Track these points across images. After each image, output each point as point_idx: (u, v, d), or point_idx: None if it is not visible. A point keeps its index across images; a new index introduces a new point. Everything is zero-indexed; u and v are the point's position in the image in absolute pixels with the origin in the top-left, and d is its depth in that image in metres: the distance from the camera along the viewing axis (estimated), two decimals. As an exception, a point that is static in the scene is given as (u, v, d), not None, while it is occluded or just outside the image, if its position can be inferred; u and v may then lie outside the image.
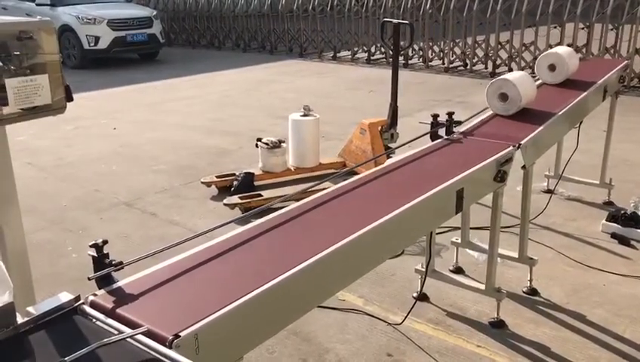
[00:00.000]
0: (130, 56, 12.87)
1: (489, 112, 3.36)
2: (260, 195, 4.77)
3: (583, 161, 4.89)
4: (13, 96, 1.82)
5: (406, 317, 3.08)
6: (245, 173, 5.09)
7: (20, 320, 1.34)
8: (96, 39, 11.69)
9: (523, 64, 9.92)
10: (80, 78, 10.32)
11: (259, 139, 5.32)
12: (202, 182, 5.15)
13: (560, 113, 3.32)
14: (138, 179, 5.53)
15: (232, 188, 4.99)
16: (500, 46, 10.21)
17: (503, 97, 3.23)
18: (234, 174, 5.15)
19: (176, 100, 9.00)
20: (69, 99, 2.00)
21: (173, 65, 12.27)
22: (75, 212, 4.78)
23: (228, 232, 1.87)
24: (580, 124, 4.10)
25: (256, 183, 5.12)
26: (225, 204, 4.67)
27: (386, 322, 3.15)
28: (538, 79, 3.96)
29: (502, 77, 3.24)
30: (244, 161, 5.82)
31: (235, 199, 4.71)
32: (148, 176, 5.59)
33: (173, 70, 11.62)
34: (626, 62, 4.80)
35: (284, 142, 5.31)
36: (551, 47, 9.57)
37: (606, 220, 4.17)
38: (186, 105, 8.69)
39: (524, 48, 9.94)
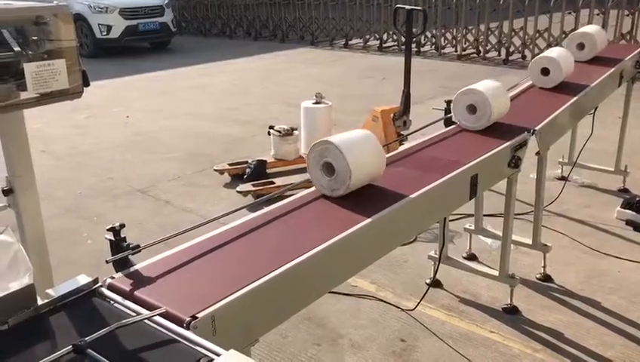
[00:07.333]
0: (142, 45, 12.89)
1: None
2: (273, 183, 4.79)
3: (597, 148, 4.84)
4: (32, 80, 1.83)
5: (419, 302, 3.09)
6: (258, 160, 5.10)
7: (39, 302, 1.36)
8: (109, 28, 11.72)
9: (537, 51, 9.83)
10: (92, 67, 10.28)
11: (271, 127, 5.33)
12: (215, 170, 5.17)
13: (575, 99, 3.29)
14: (151, 166, 5.56)
15: (245, 176, 5.01)
16: (513, 33, 10.11)
17: (329, 170, 2.04)
18: (246, 162, 5.16)
19: (188, 89, 9.02)
20: (86, 84, 2.02)
21: (185, 54, 12.27)
22: (89, 199, 4.82)
23: (240, 218, 1.89)
24: (595, 110, 4.06)
25: (268, 171, 5.13)
26: (238, 192, 4.69)
27: (399, 308, 3.15)
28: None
29: (325, 138, 2.03)
30: (257, 148, 5.82)
31: (247, 186, 4.72)
32: (161, 164, 5.61)
33: (185, 59, 11.62)
34: (642, 47, 4.74)
35: (296, 129, 5.31)
36: (565, 33, 9.49)
37: (621, 207, 4.14)
38: (198, 93, 8.71)
39: (537, 35, 9.84)
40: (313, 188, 2.12)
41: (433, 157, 2.48)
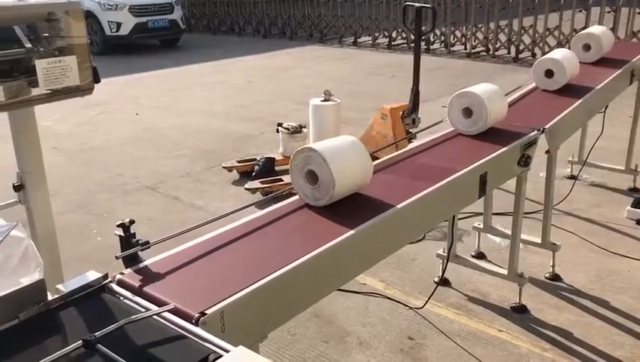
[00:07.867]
0: (151, 42, 12.92)
1: (513, 96, 3.33)
2: (281, 180, 4.79)
3: (607, 147, 4.81)
4: (43, 77, 1.85)
5: (427, 301, 3.09)
6: (266, 158, 5.11)
7: (50, 297, 1.37)
8: (118, 25, 11.77)
9: (547, 49, 9.77)
10: (102, 64, 10.26)
11: (280, 125, 5.33)
12: (224, 167, 5.18)
13: (585, 97, 3.27)
14: (161, 163, 5.58)
15: (253, 173, 5.02)
16: (523, 31, 10.06)
17: (312, 178, 1.94)
18: (255, 159, 5.18)
19: (197, 86, 9.04)
20: (97, 80, 2.03)
21: (194, 52, 12.30)
22: (99, 195, 4.85)
23: (249, 215, 1.89)
24: (606, 109, 4.04)
25: (277, 168, 5.13)
26: (246, 189, 4.70)
27: (407, 306, 3.15)
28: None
29: (309, 145, 1.95)
30: (265, 146, 5.83)
31: (256, 184, 4.73)
32: (170, 161, 5.63)
33: (194, 56, 11.65)
34: (653, 45, 4.71)
35: (304, 127, 5.31)
36: (576, 31, 9.43)
37: (631, 206, 4.12)
38: (207, 91, 8.73)
39: (548, 33, 9.78)
40: (297, 197, 2.03)
41: (425, 163, 2.41)
